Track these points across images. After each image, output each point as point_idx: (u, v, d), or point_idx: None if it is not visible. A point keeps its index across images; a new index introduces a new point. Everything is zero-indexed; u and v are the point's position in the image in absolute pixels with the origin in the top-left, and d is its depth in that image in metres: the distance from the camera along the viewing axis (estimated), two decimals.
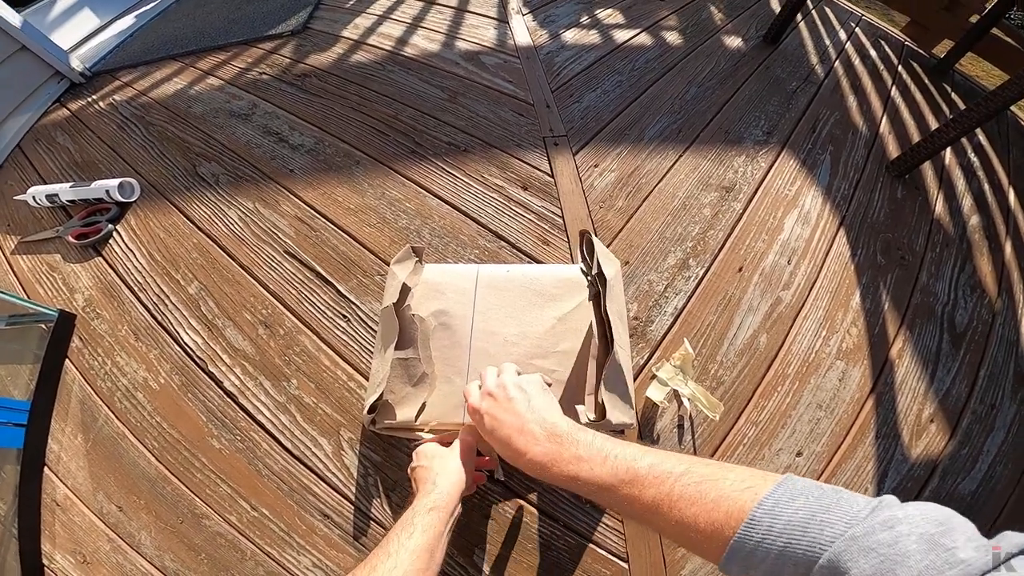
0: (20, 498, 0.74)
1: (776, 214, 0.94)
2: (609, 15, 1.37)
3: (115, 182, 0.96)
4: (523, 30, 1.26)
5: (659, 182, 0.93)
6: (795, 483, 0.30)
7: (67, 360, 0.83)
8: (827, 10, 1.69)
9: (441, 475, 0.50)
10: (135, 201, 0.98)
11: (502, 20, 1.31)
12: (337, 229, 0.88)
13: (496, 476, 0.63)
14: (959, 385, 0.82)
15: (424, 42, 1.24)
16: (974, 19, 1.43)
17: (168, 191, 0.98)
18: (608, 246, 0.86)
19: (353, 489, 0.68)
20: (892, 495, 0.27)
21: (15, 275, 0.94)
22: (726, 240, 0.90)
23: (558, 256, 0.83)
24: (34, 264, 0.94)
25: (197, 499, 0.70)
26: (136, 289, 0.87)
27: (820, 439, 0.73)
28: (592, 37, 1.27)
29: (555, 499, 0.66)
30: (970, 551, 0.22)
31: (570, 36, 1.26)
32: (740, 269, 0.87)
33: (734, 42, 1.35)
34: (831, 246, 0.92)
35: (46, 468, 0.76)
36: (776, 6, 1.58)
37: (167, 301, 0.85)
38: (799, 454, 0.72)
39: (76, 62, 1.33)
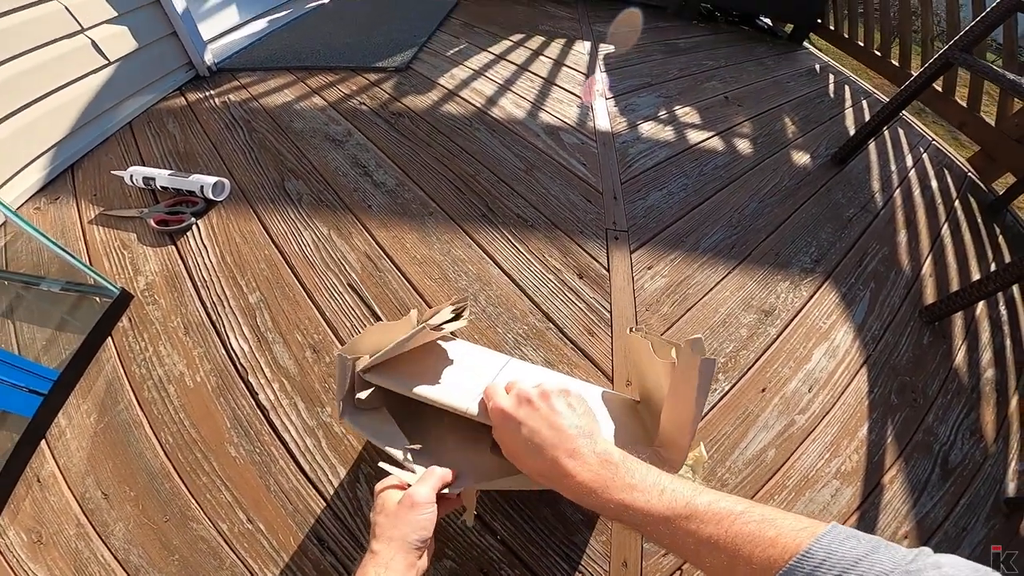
0: (2, 468, 0.73)
1: (807, 344, 0.97)
2: (686, 113, 1.45)
3: (211, 179, 1.05)
4: (604, 115, 1.34)
5: (705, 295, 0.98)
6: (846, 529, 0.32)
7: (109, 338, 0.87)
8: (900, 132, 1.73)
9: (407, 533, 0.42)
10: (222, 201, 1.07)
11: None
12: (401, 275, 0.95)
13: (464, 519, 0.56)
14: (938, 510, 0.85)
15: (511, 107, 1.33)
16: None
17: (254, 199, 1.08)
18: None
19: (358, 522, 0.70)
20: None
21: (85, 243, 1.00)
22: (755, 361, 0.93)
23: (600, 349, 0.88)
24: (107, 237, 1.01)
25: (193, 501, 0.71)
26: (200, 285, 0.93)
27: None
28: (667, 133, 1.34)
29: (525, 540, 0.68)
30: None
31: (647, 128, 1.34)
32: (763, 390, 0.90)
33: (802, 158, 1.40)
34: (851, 381, 0.95)
35: (43, 441, 0.77)
36: (851, 124, 1.63)
37: (226, 304, 0.90)
38: None
39: (209, 56, 1.47)
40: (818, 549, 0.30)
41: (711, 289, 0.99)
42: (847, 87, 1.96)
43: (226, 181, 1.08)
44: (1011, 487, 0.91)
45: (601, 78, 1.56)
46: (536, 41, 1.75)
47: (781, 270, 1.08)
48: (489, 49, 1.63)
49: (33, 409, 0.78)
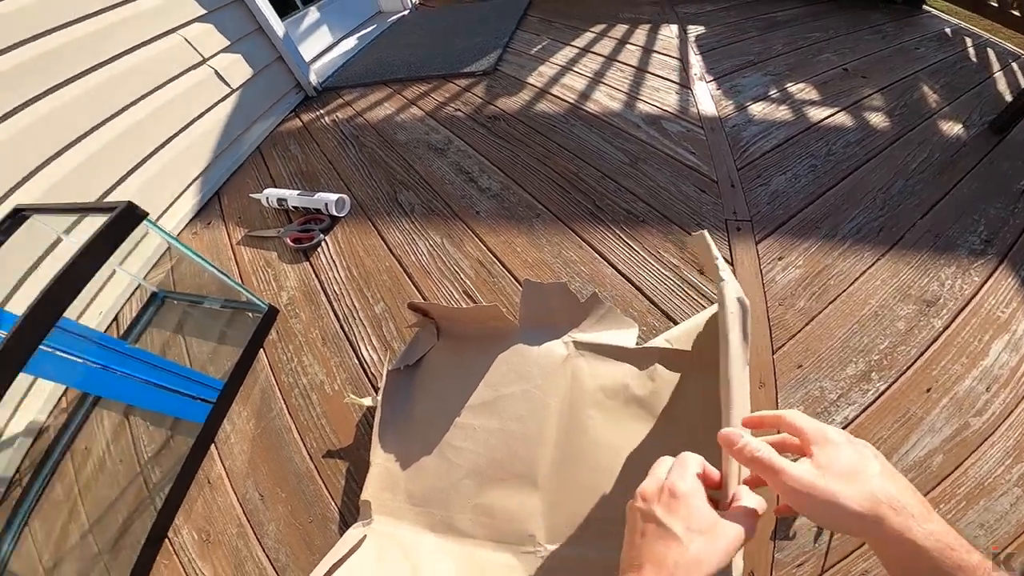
0: (180, 470, 0.81)
1: (983, 337, 0.83)
2: (802, 90, 1.31)
3: (333, 197, 1.13)
4: (707, 99, 1.26)
5: (850, 286, 0.87)
6: None
7: (261, 349, 0.96)
8: None
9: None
10: (344, 216, 1.15)
11: (684, 85, 1.32)
12: (513, 280, 0.95)
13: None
14: None
15: (606, 99, 1.29)
16: None
17: (371, 212, 1.14)
18: (782, 347, 0.82)
19: None
20: None
21: (236, 262, 1.12)
22: (918, 358, 0.81)
23: None
24: (253, 257, 1.13)
25: (332, 503, 0.74)
26: (332, 298, 1.00)
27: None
28: (783, 113, 1.22)
29: None
30: None
31: (758, 109, 1.23)
32: (928, 390, 0.78)
33: (952, 129, 1.21)
34: None
35: (213, 445, 0.85)
36: (1004, 89, 1.39)
37: (356, 315, 0.96)
38: None
39: (313, 76, 1.60)
40: None
41: (857, 279, 0.88)
42: (989, 50, 1.67)
43: (346, 197, 1.16)
44: None
45: (696, 61, 1.46)
46: (619, 30, 1.69)
47: (943, 254, 0.93)
48: (572, 43, 1.60)
49: (204, 416, 0.87)
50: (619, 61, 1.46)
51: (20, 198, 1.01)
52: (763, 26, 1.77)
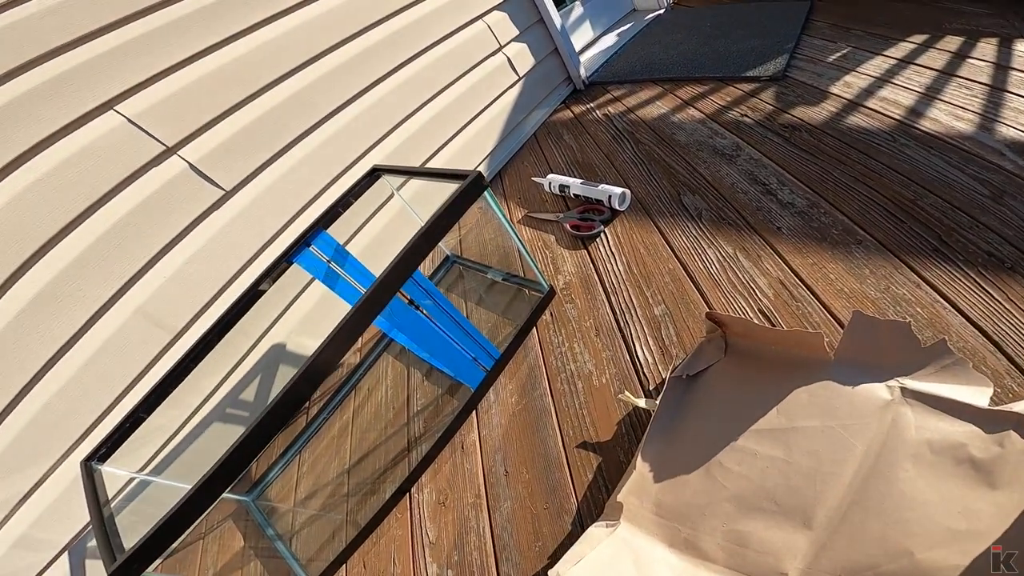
0: (444, 431, 0.87)
1: None
2: None
3: (617, 190, 1.18)
4: None
5: None
6: None
7: (534, 328, 1.01)
8: None
9: None
10: (624, 210, 1.20)
11: None
12: (823, 308, 0.88)
13: None
14: None
15: (948, 119, 1.10)
16: None
17: (652, 211, 1.17)
18: None
19: None
20: None
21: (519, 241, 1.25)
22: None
23: None
24: (533, 237, 1.24)
25: (573, 495, 0.74)
26: (610, 291, 1.03)
27: None
28: None
29: None
30: None
31: None
32: None
33: None
34: None
35: (474, 413, 0.90)
36: None
37: (633, 312, 0.97)
38: None
39: (582, 70, 1.70)
40: None
41: None
42: None
43: (628, 192, 1.21)
44: None
45: None
46: (951, 42, 1.42)
47: None
48: (885, 53, 1.40)
49: (477, 382, 0.93)
50: (960, 76, 1.23)
51: (372, 159, 1.26)
52: None
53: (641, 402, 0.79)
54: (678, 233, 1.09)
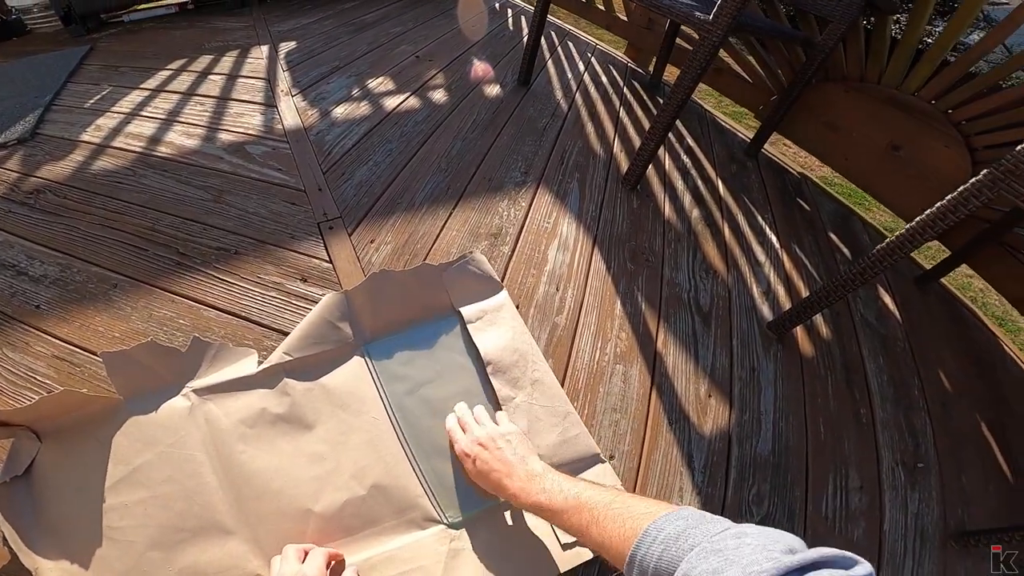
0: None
1: (540, 248, 1.08)
2: (380, 84, 1.47)
3: None
4: (292, 112, 1.29)
5: (433, 243, 1.03)
6: (683, 510, 0.40)
7: None
8: (569, 44, 2.01)
9: None
10: None
11: (270, 104, 1.32)
12: (102, 363, 0.80)
13: None
14: (720, 357, 0.96)
15: (181, 139, 1.19)
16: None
17: None
18: None
19: None
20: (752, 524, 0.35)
21: None
22: (501, 282, 1.02)
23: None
24: None
25: None
26: None
27: (624, 439, 0.81)
28: (363, 109, 1.35)
29: None
30: (788, 556, 0.29)
31: (341, 112, 1.32)
32: (517, 306, 0.96)
33: (493, 90, 1.54)
34: (590, 265, 1.07)
35: None
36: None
37: None
38: (611, 457, 0.78)
39: None
40: (652, 529, 0.39)
41: (438, 235, 1.05)
42: (522, 17, 2.20)
43: None
44: (766, 311, 1.08)
45: (284, 77, 1.48)
46: (203, 62, 1.58)
47: (497, 192, 1.19)
48: (142, 86, 1.42)
49: None
50: (199, 95, 1.36)
51: None
52: (353, 30, 1.91)
53: None
54: None
